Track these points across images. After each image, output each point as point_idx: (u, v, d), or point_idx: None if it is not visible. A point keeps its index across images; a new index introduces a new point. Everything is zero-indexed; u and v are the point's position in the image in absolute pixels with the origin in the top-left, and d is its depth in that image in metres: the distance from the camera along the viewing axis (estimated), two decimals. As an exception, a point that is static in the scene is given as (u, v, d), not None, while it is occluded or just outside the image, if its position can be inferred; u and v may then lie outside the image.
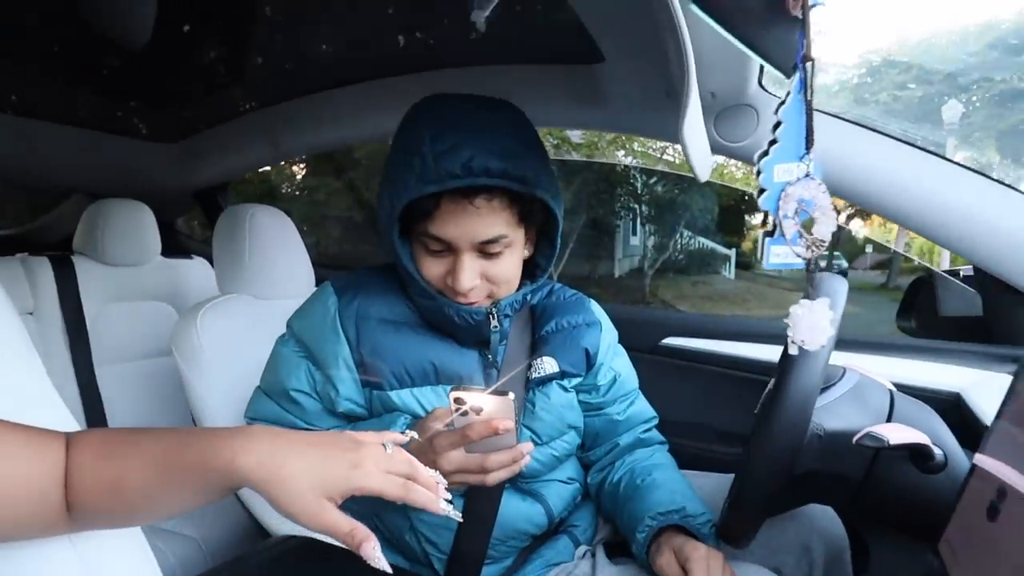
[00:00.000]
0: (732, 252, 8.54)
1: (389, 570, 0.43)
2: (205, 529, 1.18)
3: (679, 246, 8.25)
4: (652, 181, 8.00)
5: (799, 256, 0.38)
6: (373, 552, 0.41)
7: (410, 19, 1.18)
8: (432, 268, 0.74)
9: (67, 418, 0.47)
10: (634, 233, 8.57)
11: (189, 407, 1.02)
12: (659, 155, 6.62)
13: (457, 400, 0.59)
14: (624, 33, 0.90)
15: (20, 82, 1.37)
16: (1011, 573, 0.40)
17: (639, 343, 1.17)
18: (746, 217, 8.49)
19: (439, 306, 0.75)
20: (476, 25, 1.09)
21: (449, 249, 0.73)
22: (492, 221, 0.71)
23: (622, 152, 6.93)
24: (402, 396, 0.76)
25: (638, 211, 8.34)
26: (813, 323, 0.39)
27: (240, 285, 1.15)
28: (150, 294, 1.53)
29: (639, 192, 8.20)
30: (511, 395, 0.58)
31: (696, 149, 0.57)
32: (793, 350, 0.41)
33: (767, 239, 0.39)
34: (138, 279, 1.52)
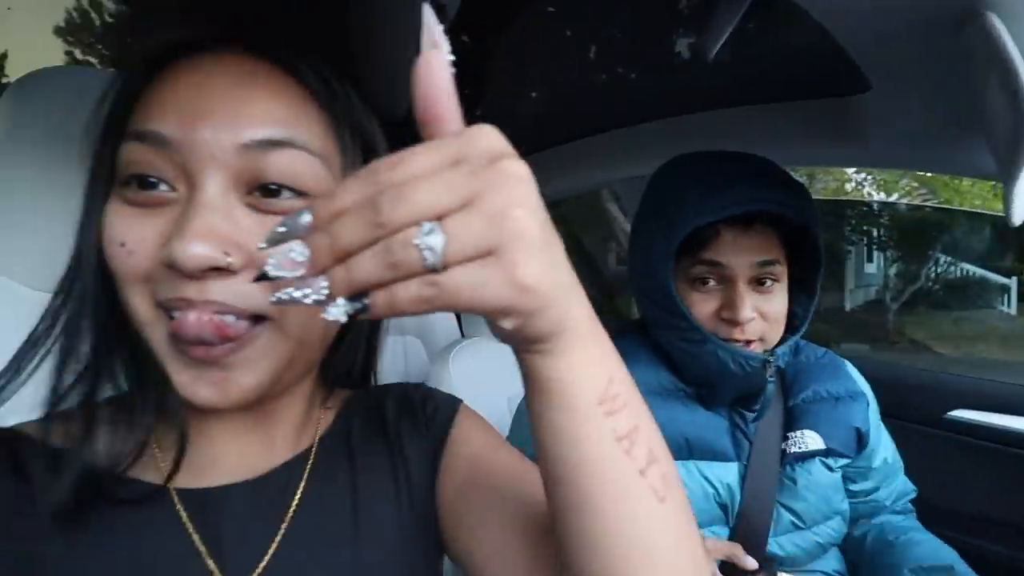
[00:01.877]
0: (1012, 281, 6.80)
1: None
2: None
3: (934, 275, 6.86)
4: (893, 198, 6.86)
5: None
6: None
7: (649, 66, 1.20)
8: (703, 306, 0.73)
9: None
10: (870, 260, 7.39)
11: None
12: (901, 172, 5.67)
13: None
14: (899, 57, 0.79)
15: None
16: None
17: (917, 414, 0.98)
18: (1034, 238, 6.70)
19: (711, 350, 0.71)
20: (705, 59, 1.06)
21: (722, 281, 0.73)
22: (767, 246, 0.72)
23: (852, 168, 6.09)
24: None
25: (874, 235, 7.18)
26: None
27: (482, 328, 1.27)
28: (403, 329, 1.77)
29: (875, 212, 7.07)
30: None
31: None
32: None
33: None
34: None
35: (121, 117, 0.38)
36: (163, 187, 0.37)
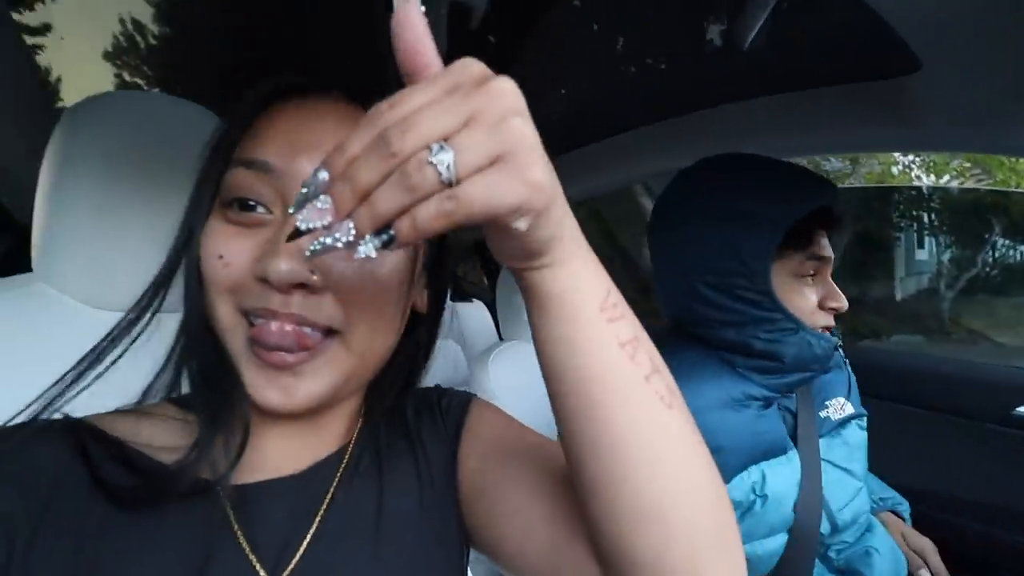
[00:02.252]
0: (1079, 264, 6.37)
1: None
2: None
3: (991, 259, 6.48)
4: (944, 180, 6.51)
5: None
6: None
7: (685, 58, 1.17)
8: (807, 300, 0.75)
9: None
10: (920, 246, 7.03)
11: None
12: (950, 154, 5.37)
13: None
14: (951, 32, 0.75)
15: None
16: None
17: (983, 411, 0.92)
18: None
19: (804, 338, 0.73)
20: (741, 46, 1.02)
21: (817, 274, 0.76)
22: None
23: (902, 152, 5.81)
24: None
25: (925, 220, 6.84)
26: None
27: (520, 332, 1.26)
28: (443, 334, 1.78)
29: (925, 196, 6.74)
30: None
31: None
32: None
33: None
34: (433, 320, 1.79)
35: (228, 146, 0.43)
36: (260, 209, 0.41)
